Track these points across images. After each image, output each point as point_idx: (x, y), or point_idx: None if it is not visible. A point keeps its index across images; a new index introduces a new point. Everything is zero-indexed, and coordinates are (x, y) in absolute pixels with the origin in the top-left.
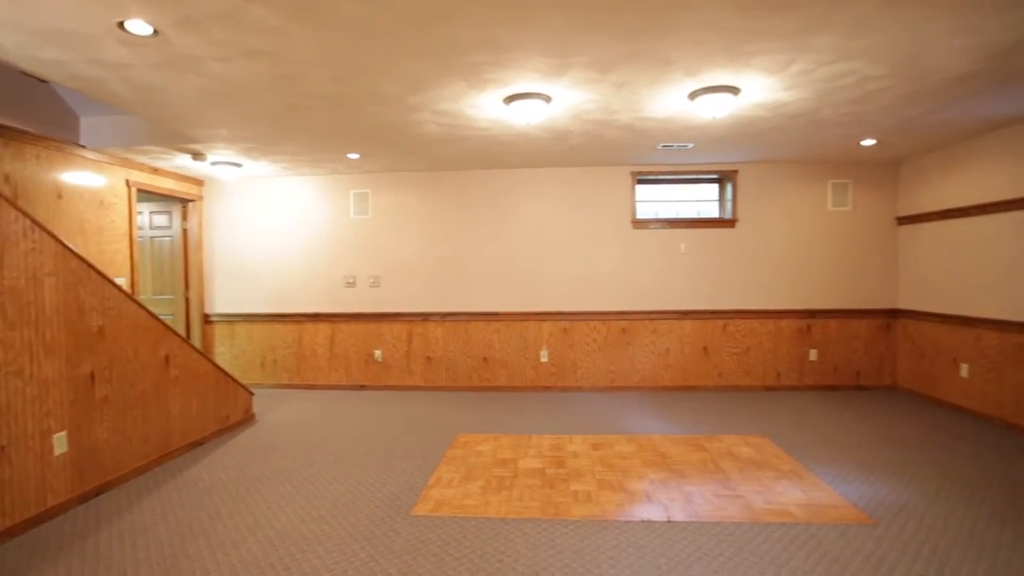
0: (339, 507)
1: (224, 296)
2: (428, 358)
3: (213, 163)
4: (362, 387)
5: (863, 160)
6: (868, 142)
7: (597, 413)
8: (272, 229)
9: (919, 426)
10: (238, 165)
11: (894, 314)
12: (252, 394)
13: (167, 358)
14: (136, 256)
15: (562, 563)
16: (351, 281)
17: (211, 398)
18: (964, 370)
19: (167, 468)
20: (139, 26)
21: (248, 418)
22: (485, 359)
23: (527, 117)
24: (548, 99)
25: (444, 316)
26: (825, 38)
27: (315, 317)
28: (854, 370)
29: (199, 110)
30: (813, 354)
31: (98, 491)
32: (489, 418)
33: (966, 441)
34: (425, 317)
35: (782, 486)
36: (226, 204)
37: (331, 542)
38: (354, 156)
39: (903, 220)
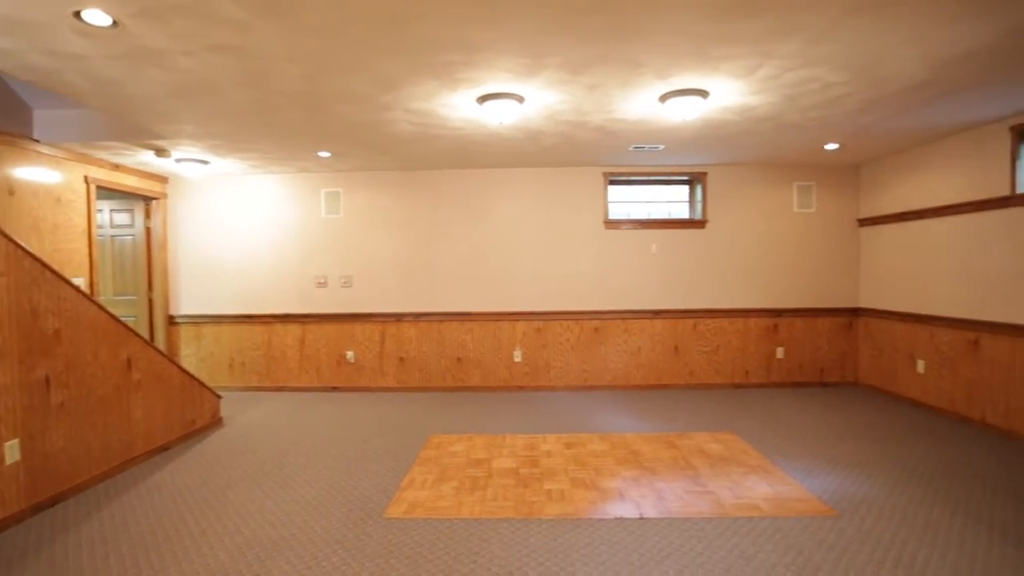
0: (310, 511)
1: (190, 297)
2: (401, 359)
3: (178, 160)
4: (334, 389)
5: (826, 163)
6: (831, 146)
7: (570, 412)
8: (240, 228)
9: (878, 420)
10: (205, 162)
11: (856, 312)
12: (220, 397)
13: (129, 361)
14: (95, 255)
15: (536, 562)
16: (322, 281)
17: (176, 402)
18: (920, 366)
19: (129, 475)
20: (97, 16)
21: (215, 422)
22: (459, 359)
23: (500, 117)
24: (521, 99)
25: (417, 316)
26: (789, 45)
27: (285, 318)
28: (818, 367)
29: (163, 105)
30: (780, 352)
31: (54, 501)
32: (463, 418)
33: (922, 434)
34: (398, 317)
35: (750, 481)
36: (192, 202)
37: (302, 547)
38: (325, 154)
39: (864, 222)
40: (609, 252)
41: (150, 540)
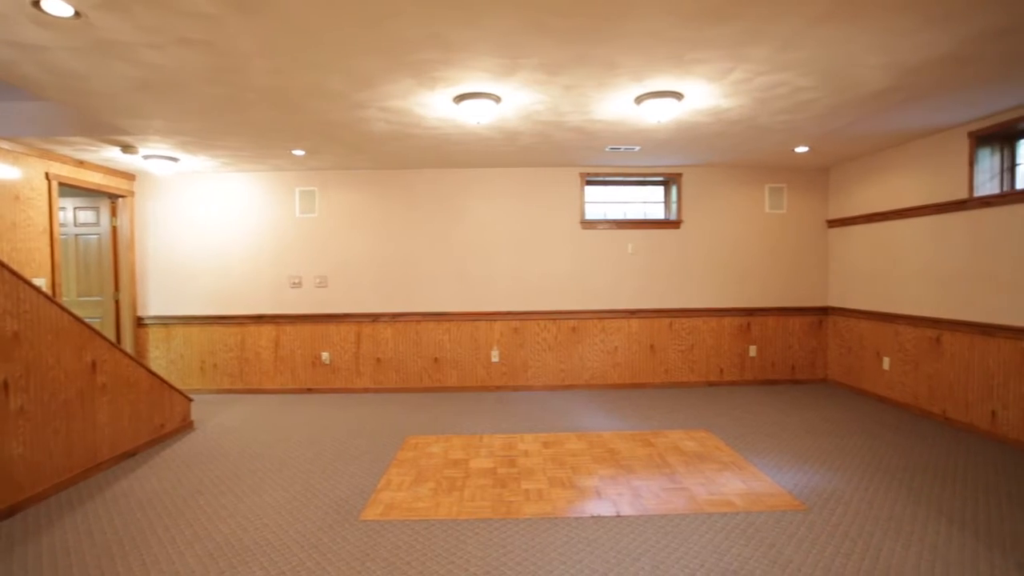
0: (284, 515)
1: (159, 297)
2: (378, 360)
3: (146, 157)
4: (309, 391)
5: (797, 166)
6: (801, 149)
7: (548, 411)
8: (212, 227)
9: (847, 416)
10: (174, 159)
11: (825, 311)
12: (190, 400)
13: (94, 364)
14: (58, 255)
15: (514, 562)
16: (297, 281)
17: (144, 406)
18: (886, 363)
19: (94, 482)
20: (57, 6)
21: (186, 426)
22: (436, 360)
23: (477, 117)
24: (498, 99)
25: (394, 317)
26: (760, 50)
27: (259, 319)
28: (789, 365)
29: (129, 100)
30: (752, 350)
31: (12, 511)
32: (440, 419)
33: (887, 429)
34: (374, 318)
35: (724, 477)
36: (161, 200)
37: (276, 552)
38: (299, 152)
39: (832, 223)
40: (586, 252)
41: (116, 549)
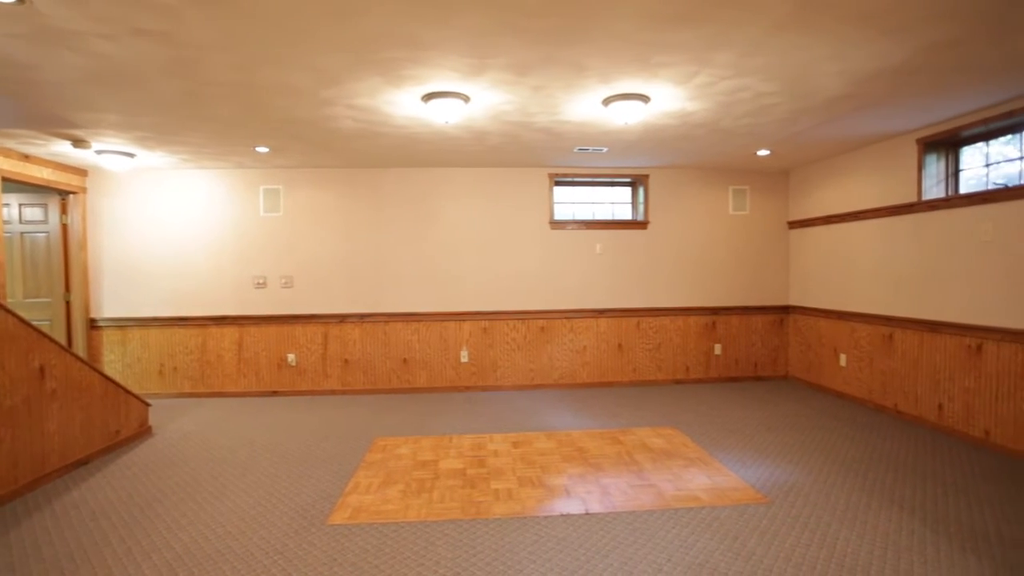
0: (248, 521)
1: (114, 299)
2: (345, 361)
3: (99, 152)
4: (274, 393)
5: (759, 168)
6: (763, 152)
7: (517, 411)
8: (171, 226)
9: (806, 412)
10: (130, 155)
11: (786, 310)
12: (148, 405)
13: (42, 369)
14: (1, 254)
15: (483, 562)
16: (261, 282)
17: (97, 412)
18: (843, 360)
19: (42, 493)
20: None
21: (143, 431)
22: (405, 360)
23: (446, 116)
24: (467, 99)
25: (362, 317)
26: (724, 55)
27: (221, 320)
28: (752, 362)
29: (80, 92)
30: (718, 348)
31: None
32: (409, 420)
33: (844, 423)
34: (342, 319)
35: (690, 473)
36: (116, 197)
37: (239, 560)
38: (263, 150)
39: (793, 224)
40: (555, 252)
41: (66, 564)
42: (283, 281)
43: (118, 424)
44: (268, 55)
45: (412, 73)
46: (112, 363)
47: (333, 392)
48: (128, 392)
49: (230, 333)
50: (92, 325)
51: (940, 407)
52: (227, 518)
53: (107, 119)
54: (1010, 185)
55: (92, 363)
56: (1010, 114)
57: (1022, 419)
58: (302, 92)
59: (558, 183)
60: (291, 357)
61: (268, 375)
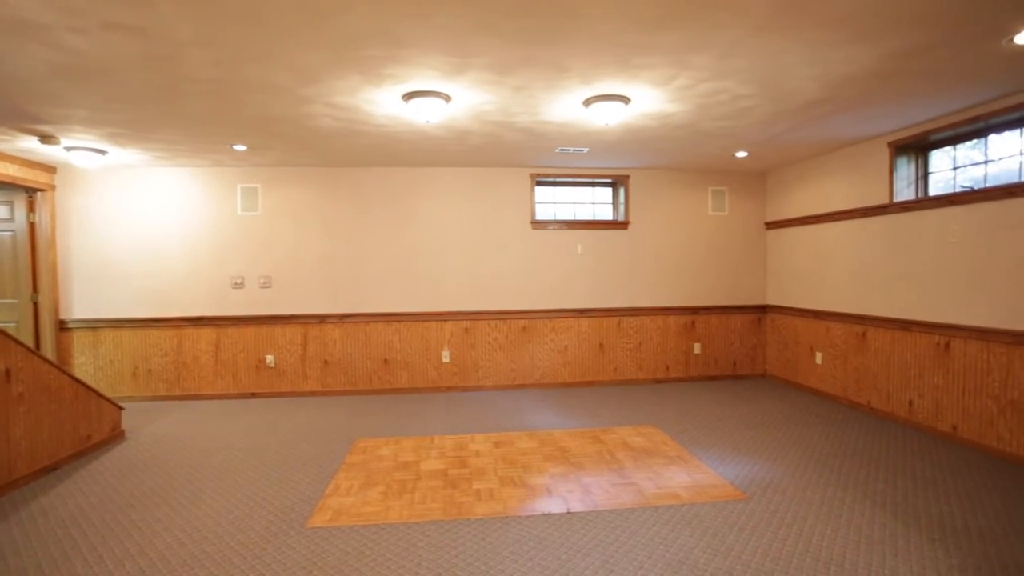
0: (225, 526)
1: (85, 299)
2: (325, 362)
3: (69, 148)
4: (252, 395)
5: (737, 169)
6: (741, 154)
7: (499, 411)
8: (145, 224)
9: (783, 409)
10: (101, 152)
11: (764, 309)
12: (121, 408)
13: (8, 372)
14: None
15: (465, 563)
16: (239, 282)
17: (67, 416)
18: (818, 358)
19: (9, 500)
20: None
21: (116, 435)
22: (386, 361)
23: (426, 115)
24: (448, 98)
25: (342, 317)
26: (702, 58)
27: (197, 321)
28: (731, 361)
29: (48, 86)
30: (697, 347)
31: None
32: (390, 421)
33: (819, 419)
34: (321, 319)
35: (670, 471)
36: (88, 195)
37: (216, 564)
38: (241, 148)
39: (770, 225)
40: (536, 252)
41: (34, 573)
42: (261, 281)
43: (89, 428)
44: (247, 51)
45: (392, 72)
46: (83, 365)
47: (313, 393)
48: (100, 395)
49: (207, 334)
50: (62, 327)
51: (910, 403)
52: (203, 522)
53: (77, 115)
54: (975, 188)
55: (62, 366)
56: (975, 119)
57: (987, 415)
58: (281, 89)
59: (540, 183)
60: (270, 358)
61: (246, 377)
